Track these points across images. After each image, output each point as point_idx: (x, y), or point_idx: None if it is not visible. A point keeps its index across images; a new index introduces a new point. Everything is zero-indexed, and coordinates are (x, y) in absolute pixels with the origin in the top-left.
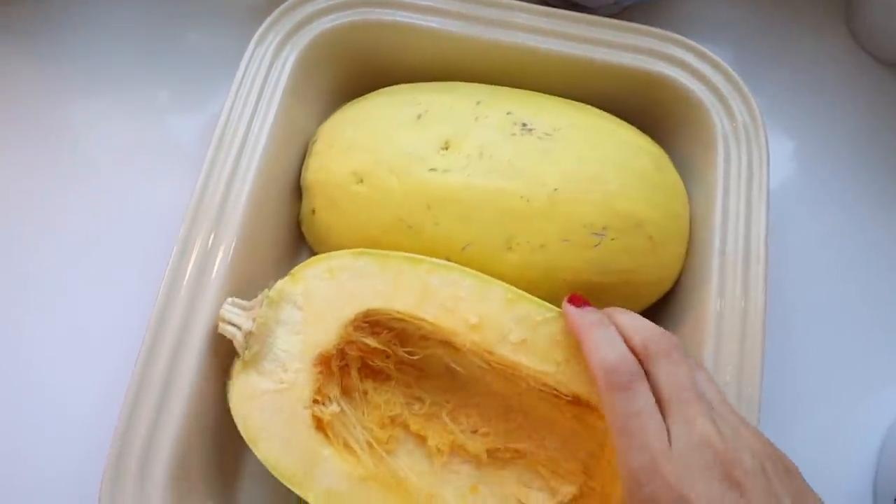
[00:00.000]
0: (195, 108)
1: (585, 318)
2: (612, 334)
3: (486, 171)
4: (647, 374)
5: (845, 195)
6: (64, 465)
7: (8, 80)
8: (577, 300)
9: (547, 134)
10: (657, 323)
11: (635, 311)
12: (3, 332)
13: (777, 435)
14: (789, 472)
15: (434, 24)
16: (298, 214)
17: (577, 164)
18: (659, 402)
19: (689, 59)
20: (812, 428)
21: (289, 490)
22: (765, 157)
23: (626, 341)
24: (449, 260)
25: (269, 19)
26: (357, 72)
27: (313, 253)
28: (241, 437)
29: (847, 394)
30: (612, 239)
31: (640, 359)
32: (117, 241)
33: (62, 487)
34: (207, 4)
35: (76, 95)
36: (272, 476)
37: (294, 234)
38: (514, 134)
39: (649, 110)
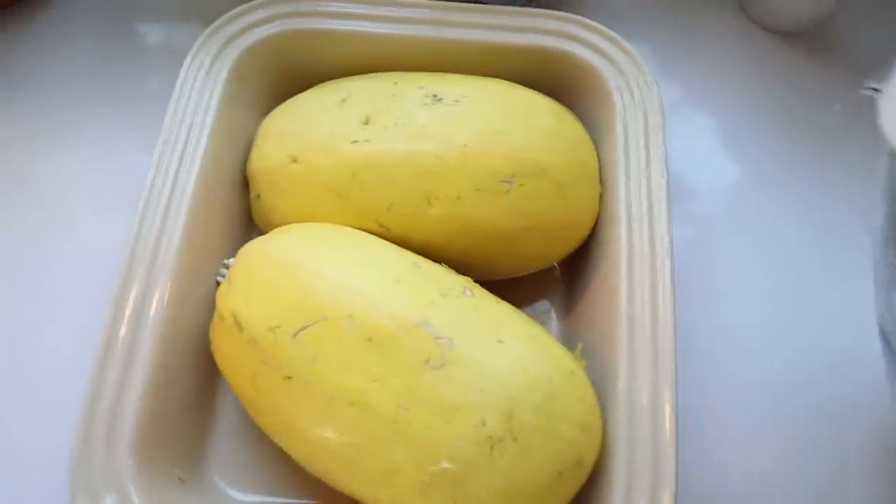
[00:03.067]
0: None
1: None
2: None
3: (403, 137)
4: None
5: (752, 152)
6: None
7: None
8: None
9: (456, 101)
10: (575, 271)
11: (554, 260)
12: None
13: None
14: None
15: (352, 28)
16: (248, 205)
17: (484, 122)
18: None
19: (581, 33)
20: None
21: (255, 458)
22: (658, 111)
23: None
24: (377, 220)
25: (198, 41)
26: (290, 76)
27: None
28: (206, 409)
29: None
30: (521, 185)
31: None
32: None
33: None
34: (164, 50)
35: (45, 145)
36: (238, 445)
37: (247, 223)
38: (426, 104)
39: (551, 83)
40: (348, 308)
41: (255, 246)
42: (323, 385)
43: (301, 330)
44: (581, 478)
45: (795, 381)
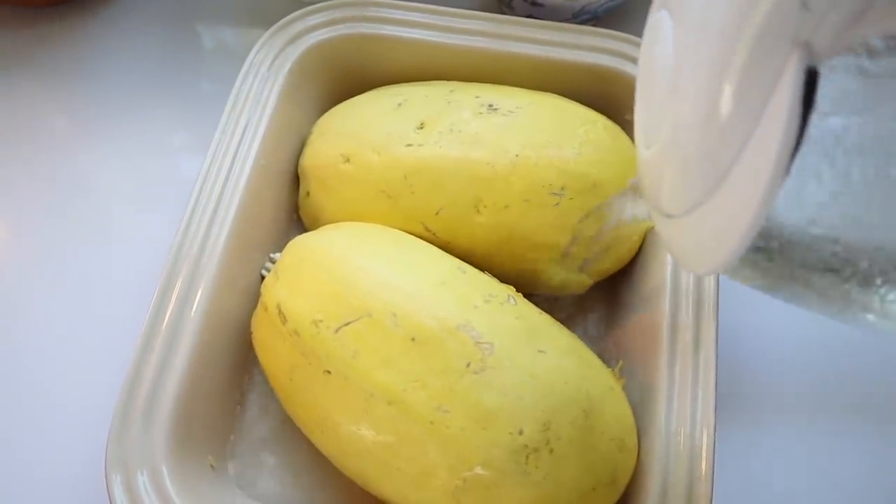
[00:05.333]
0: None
1: None
2: None
3: (456, 143)
4: None
5: None
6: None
7: (30, 118)
8: None
9: (510, 111)
10: (618, 288)
11: (599, 277)
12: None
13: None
14: None
15: (413, 35)
16: (297, 201)
17: (537, 133)
18: None
19: (638, 53)
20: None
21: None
22: None
23: None
24: (424, 224)
25: (264, 37)
26: (348, 78)
27: None
28: (240, 401)
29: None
30: (571, 198)
31: None
32: (135, 278)
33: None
34: (220, 53)
35: (95, 136)
36: (263, 436)
37: (294, 219)
38: (481, 113)
39: (605, 101)
40: (392, 307)
41: (304, 240)
42: (362, 381)
43: (344, 325)
44: (613, 496)
45: (846, 397)
